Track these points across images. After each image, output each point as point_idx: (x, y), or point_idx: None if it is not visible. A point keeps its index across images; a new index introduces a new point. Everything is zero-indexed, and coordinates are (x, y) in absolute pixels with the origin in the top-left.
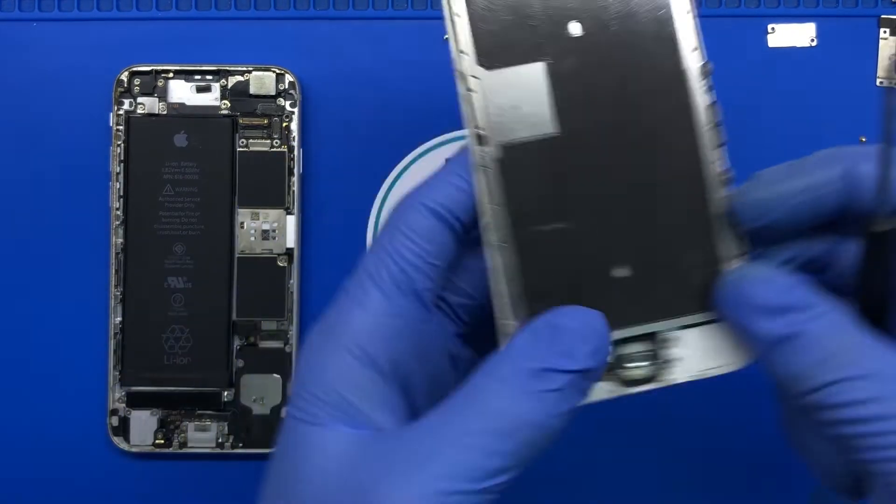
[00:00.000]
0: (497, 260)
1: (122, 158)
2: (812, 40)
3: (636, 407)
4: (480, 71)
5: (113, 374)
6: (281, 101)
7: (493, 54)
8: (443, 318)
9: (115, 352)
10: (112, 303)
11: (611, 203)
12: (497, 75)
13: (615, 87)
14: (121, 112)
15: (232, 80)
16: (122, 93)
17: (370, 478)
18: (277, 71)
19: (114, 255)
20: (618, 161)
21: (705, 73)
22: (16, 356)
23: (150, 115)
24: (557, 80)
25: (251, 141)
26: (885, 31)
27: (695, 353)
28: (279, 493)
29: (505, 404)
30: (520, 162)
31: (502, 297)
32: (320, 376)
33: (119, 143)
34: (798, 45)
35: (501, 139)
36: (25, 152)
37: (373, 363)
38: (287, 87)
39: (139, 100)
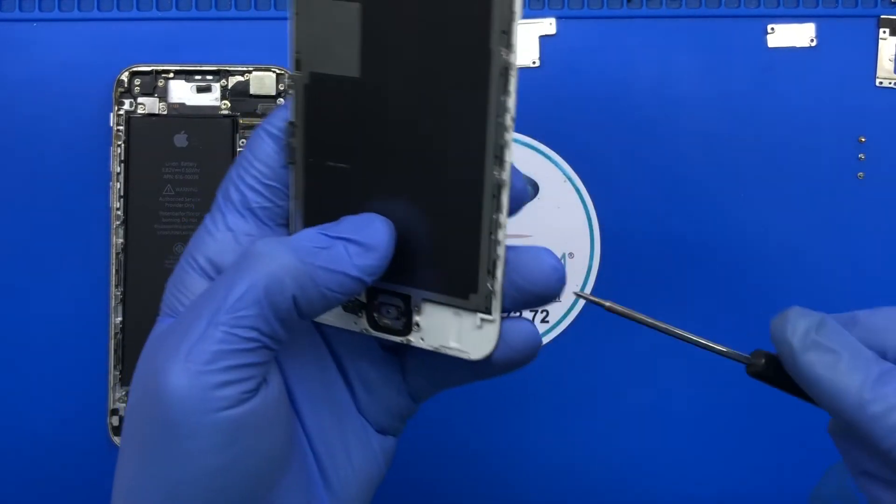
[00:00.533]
0: (290, 177)
1: (122, 158)
2: (812, 40)
3: (638, 405)
4: None
5: (113, 374)
6: (281, 101)
7: None
8: (282, 231)
9: (115, 352)
10: (112, 303)
11: (393, 162)
12: (318, 4)
13: (422, 48)
14: (121, 112)
15: (232, 80)
16: (122, 93)
17: (156, 343)
18: (277, 71)
19: (114, 255)
20: (408, 122)
21: (509, 64)
22: (16, 356)
23: (151, 115)
24: (370, 26)
25: None
26: (884, 31)
27: (437, 328)
28: None
29: (263, 253)
30: (322, 94)
31: (291, 210)
32: (168, 286)
33: (119, 143)
34: (798, 45)
35: (312, 67)
36: (26, 152)
37: (199, 268)
38: (287, 87)
39: (139, 100)
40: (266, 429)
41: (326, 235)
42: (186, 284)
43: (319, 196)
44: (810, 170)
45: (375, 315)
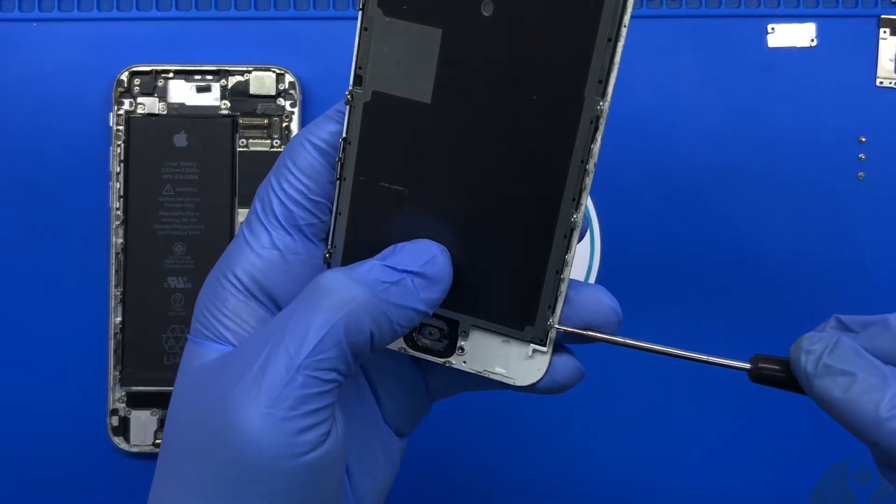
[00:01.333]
0: (338, 193)
1: (122, 158)
2: (812, 40)
3: (638, 406)
4: (379, 13)
5: (113, 374)
6: (281, 101)
7: (397, 2)
8: (323, 247)
9: (115, 352)
10: (112, 303)
11: (456, 190)
12: (393, 24)
13: (504, 84)
14: (121, 112)
15: (232, 80)
16: (122, 93)
17: (218, 380)
18: (277, 71)
19: (114, 255)
20: (475, 156)
21: (601, 113)
22: (16, 356)
23: (150, 115)
24: (449, 53)
25: (251, 141)
26: (885, 31)
27: (483, 354)
28: (170, 405)
29: (337, 289)
30: (384, 115)
31: (332, 225)
32: (204, 303)
33: (119, 143)
34: (798, 45)
35: (376, 86)
36: (25, 152)
37: (245, 289)
38: (287, 87)
39: (139, 100)
40: (335, 466)
41: (394, 269)
42: (229, 305)
43: (367, 215)
44: (810, 170)
45: (415, 335)
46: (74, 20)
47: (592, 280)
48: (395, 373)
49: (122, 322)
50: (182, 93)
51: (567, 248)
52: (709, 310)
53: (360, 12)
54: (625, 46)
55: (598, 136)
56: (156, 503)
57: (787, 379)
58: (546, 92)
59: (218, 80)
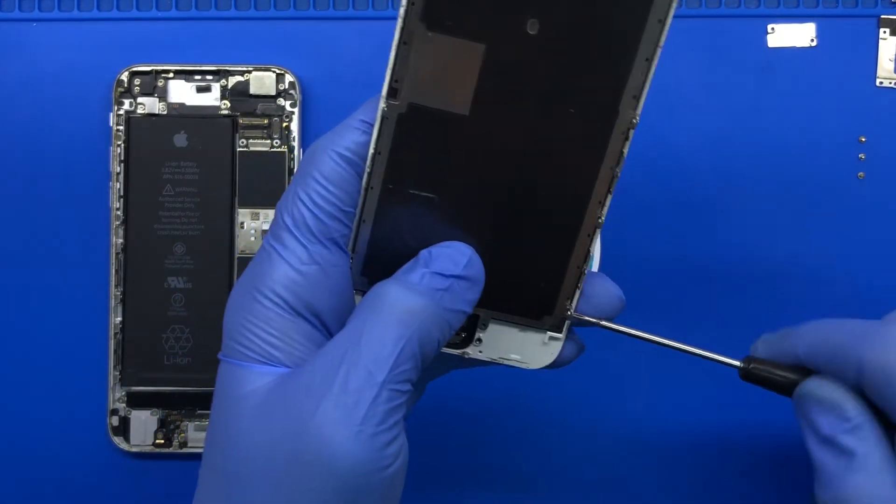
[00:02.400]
0: (363, 201)
1: (122, 158)
2: (812, 40)
3: (639, 406)
4: (421, 27)
5: (113, 374)
6: (281, 101)
7: (440, 17)
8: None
9: (115, 352)
10: (112, 303)
11: (484, 197)
12: (435, 38)
13: (541, 99)
14: (121, 112)
15: (232, 80)
16: (122, 93)
17: (294, 404)
18: (277, 71)
19: (114, 255)
20: (508, 166)
21: (633, 125)
22: (16, 356)
23: (151, 115)
24: (491, 68)
25: (251, 141)
26: (884, 31)
27: (499, 343)
28: (214, 433)
29: (402, 302)
30: (419, 125)
31: (355, 232)
32: (241, 323)
33: (119, 143)
34: (798, 45)
35: (412, 98)
36: (26, 152)
37: (291, 308)
38: (287, 87)
39: (139, 100)
40: (405, 474)
41: (443, 275)
42: (276, 325)
43: (392, 222)
44: (810, 170)
45: None
46: (74, 20)
47: None
48: None
49: (122, 322)
50: (182, 93)
51: (591, 244)
52: (708, 309)
53: (399, 26)
54: None
55: (628, 144)
56: None
57: (777, 380)
58: (582, 105)
59: (218, 80)
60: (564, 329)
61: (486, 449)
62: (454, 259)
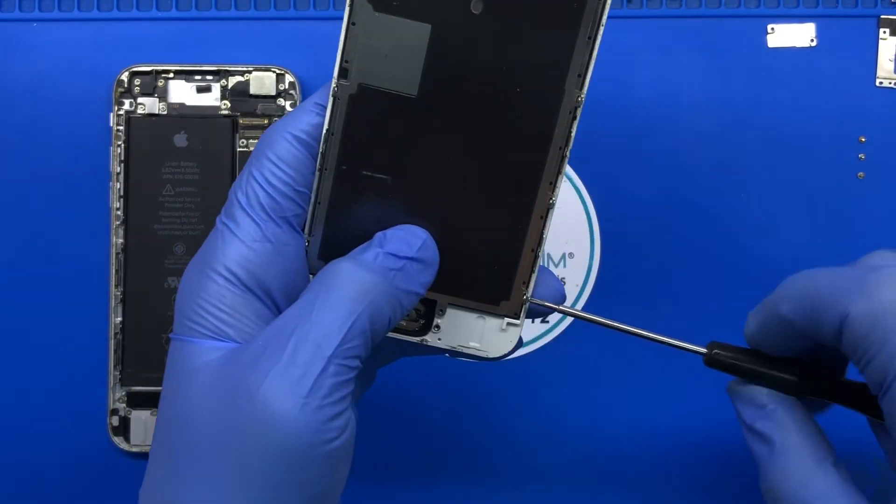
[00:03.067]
0: (318, 183)
1: (122, 158)
2: (812, 40)
3: (638, 405)
4: (368, 8)
5: (113, 374)
6: (281, 101)
7: None
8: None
9: (115, 352)
10: (112, 303)
11: (438, 178)
12: (382, 19)
13: (489, 77)
14: (121, 112)
15: (232, 80)
16: (122, 93)
17: (241, 376)
18: (277, 71)
19: (114, 255)
20: (459, 146)
21: (579, 103)
22: (16, 356)
23: (151, 115)
24: (437, 48)
25: (251, 141)
26: (884, 31)
27: (458, 330)
28: (164, 410)
29: (355, 279)
30: (370, 106)
31: (311, 214)
32: (194, 300)
33: (119, 143)
34: (798, 45)
35: (361, 79)
36: (26, 152)
37: (242, 284)
38: (287, 87)
39: (139, 100)
40: (352, 450)
41: (396, 256)
42: (227, 301)
43: (348, 204)
44: (810, 170)
45: None
46: (74, 20)
47: (592, 281)
48: None
49: (122, 322)
50: (182, 93)
51: (543, 227)
52: (708, 309)
53: (347, 7)
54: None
55: (575, 125)
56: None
57: (740, 366)
58: (528, 84)
59: (218, 80)
60: (522, 315)
61: (474, 445)
62: (408, 241)
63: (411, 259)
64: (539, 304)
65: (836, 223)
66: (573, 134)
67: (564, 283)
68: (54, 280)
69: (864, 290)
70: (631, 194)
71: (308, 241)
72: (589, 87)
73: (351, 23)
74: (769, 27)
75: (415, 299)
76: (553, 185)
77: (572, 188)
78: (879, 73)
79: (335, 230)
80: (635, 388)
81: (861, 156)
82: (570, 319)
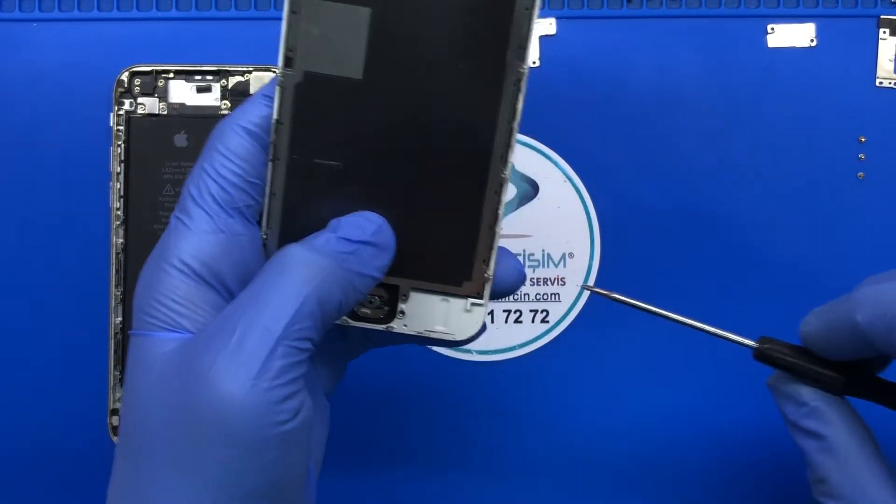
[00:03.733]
0: (271, 174)
1: (122, 158)
2: (812, 40)
3: (638, 405)
4: None
5: (113, 374)
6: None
7: None
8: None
9: (115, 352)
10: (112, 303)
11: (388, 161)
12: (322, 6)
13: (431, 56)
14: (121, 112)
15: (232, 80)
16: (122, 93)
17: (192, 362)
18: (277, 71)
19: (114, 255)
20: (408, 126)
21: (522, 74)
22: (16, 356)
23: (151, 115)
24: (378, 31)
25: None
26: (884, 32)
27: (423, 314)
28: (124, 404)
29: (304, 261)
30: (316, 93)
31: (267, 207)
32: (149, 294)
33: (119, 143)
34: (798, 45)
35: (306, 66)
36: (25, 152)
37: (196, 274)
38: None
39: (139, 100)
40: (308, 434)
41: (349, 240)
42: (180, 293)
43: (303, 193)
44: (810, 170)
45: (355, 306)
46: (74, 20)
47: (592, 281)
48: (328, 337)
49: (122, 322)
50: (182, 93)
51: (498, 203)
52: (708, 309)
53: None
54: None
55: (521, 97)
56: (129, 497)
57: (789, 362)
58: (471, 60)
59: (218, 80)
60: (485, 294)
61: (473, 445)
62: (362, 226)
63: (365, 243)
64: (595, 291)
65: (836, 223)
66: (520, 107)
67: (564, 283)
68: (54, 280)
69: None
70: (631, 194)
71: (266, 235)
72: (589, 87)
73: (292, 11)
74: (769, 27)
75: (370, 282)
76: (504, 160)
77: (572, 188)
78: (879, 73)
79: (292, 221)
80: (634, 388)
81: (861, 156)
82: (567, 321)
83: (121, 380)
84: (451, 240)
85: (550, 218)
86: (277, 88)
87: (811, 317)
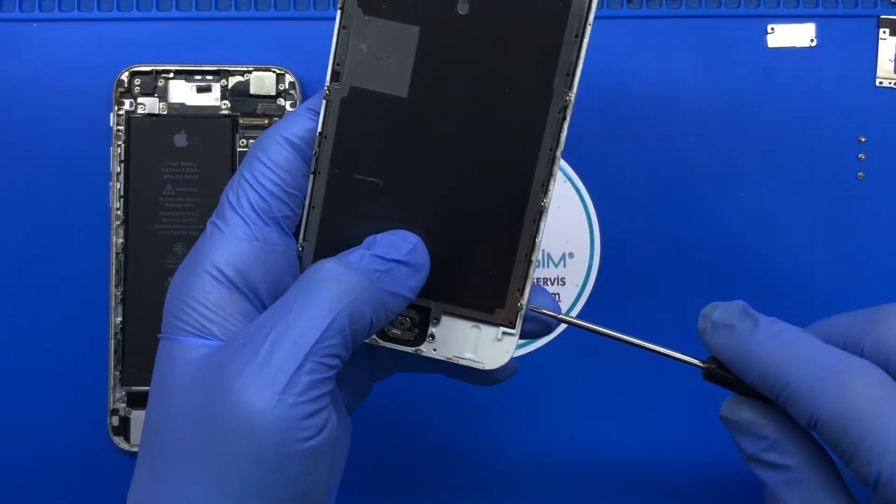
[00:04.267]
0: (311, 187)
1: (122, 158)
2: (812, 40)
3: (637, 406)
4: (358, 12)
5: (113, 374)
6: (281, 101)
7: (376, 1)
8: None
9: (115, 352)
10: (112, 303)
11: (429, 181)
12: (372, 22)
13: (478, 78)
14: (121, 112)
15: (232, 80)
16: (122, 93)
17: (219, 372)
18: (277, 71)
19: (114, 255)
20: (452, 147)
21: (568, 103)
22: (16, 356)
23: (151, 115)
24: (426, 49)
25: (251, 141)
26: (884, 32)
27: (453, 340)
28: (149, 408)
29: (337, 277)
30: (362, 109)
31: (306, 219)
32: (181, 298)
33: (119, 143)
34: (798, 45)
35: (353, 82)
36: (26, 152)
37: (229, 281)
38: (287, 87)
39: (139, 100)
40: (332, 451)
41: (383, 258)
42: (212, 299)
43: (341, 208)
44: (810, 170)
45: (386, 326)
46: (74, 20)
47: (592, 281)
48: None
49: (122, 322)
50: (182, 93)
51: (536, 231)
52: None
53: (339, 11)
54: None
55: (566, 126)
56: (148, 503)
57: (737, 380)
58: (517, 85)
59: (218, 80)
60: (518, 324)
61: (463, 454)
62: (397, 245)
63: (399, 262)
64: (536, 311)
65: (836, 223)
66: (563, 135)
67: (564, 283)
68: (54, 280)
69: (836, 389)
70: (631, 194)
71: (302, 247)
72: (589, 88)
73: (342, 26)
74: (769, 27)
75: (401, 303)
76: (545, 188)
77: (572, 188)
78: (879, 73)
79: (329, 235)
80: (626, 397)
81: (861, 156)
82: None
83: (121, 380)
84: (487, 266)
85: (550, 218)
86: (323, 102)
87: (812, 327)
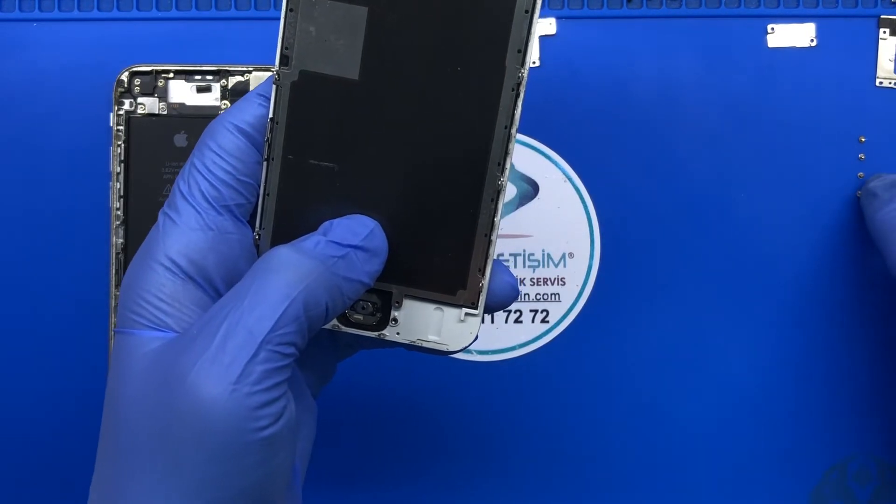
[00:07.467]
0: (266, 174)
1: (122, 158)
2: (812, 40)
3: (637, 405)
4: None
5: None
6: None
7: None
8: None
9: None
10: (112, 303)
11: (384, 164)
12: (320, 4)
13: (429, 58)
14: (121, 112)
15: (232, 80)
16: (122, 93)
17: (173, 364)
18: (274, 69)
19: (114, 255)
20: (406, 129)
21: (521, 79)
22: (16, 356)
23: (151, 115)
24: (375, 30)
25: None
26: (884, 32)
27: (416, 323)
28: (106, 402)
29: (291, 264)
30: (313, 93)
31: (261, 206)
32: (133, 290)
33: (119, 143)
34: (798, 45)
35: (303, 65)
36: (25, 152)
37: (182, 272)
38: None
39: (139, 100)
40: (291, 438)
41: (339, 244)
42: (166, 290)
43: (296, 194)
44: (810, 170)
45: (348, 311)
46: (74, 20)
47: (592, 281)
48: (315, 337)
49: None
50: (182, 93)
51: (495, 210)
52: (709, 309)
53: None
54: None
55: (520, 102)
56: (108, 497)
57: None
58: (469, 63)
59: (218, 80)
60: (480, 303)
61: (471, 447)
62: (354, 230)
63: (356, 247)
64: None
65: (835, 223)
66: (518, 112)
67: (564, 283)
68: (54, 280)
69: None
70: (631, 194)
71: (258, 235)
72: (589, 88)
73: (289, 9)
74: (769, 27)
75: (359, 288)
76: (501, 167)
77: (572, 188)
78: (879, 73)
79: (285, 222)
80: (634, 388)
81: (861, 156)
82: (567, 321)
83: None
84: (446, 247)
85: (550, 218)
86: (273, 87)
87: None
